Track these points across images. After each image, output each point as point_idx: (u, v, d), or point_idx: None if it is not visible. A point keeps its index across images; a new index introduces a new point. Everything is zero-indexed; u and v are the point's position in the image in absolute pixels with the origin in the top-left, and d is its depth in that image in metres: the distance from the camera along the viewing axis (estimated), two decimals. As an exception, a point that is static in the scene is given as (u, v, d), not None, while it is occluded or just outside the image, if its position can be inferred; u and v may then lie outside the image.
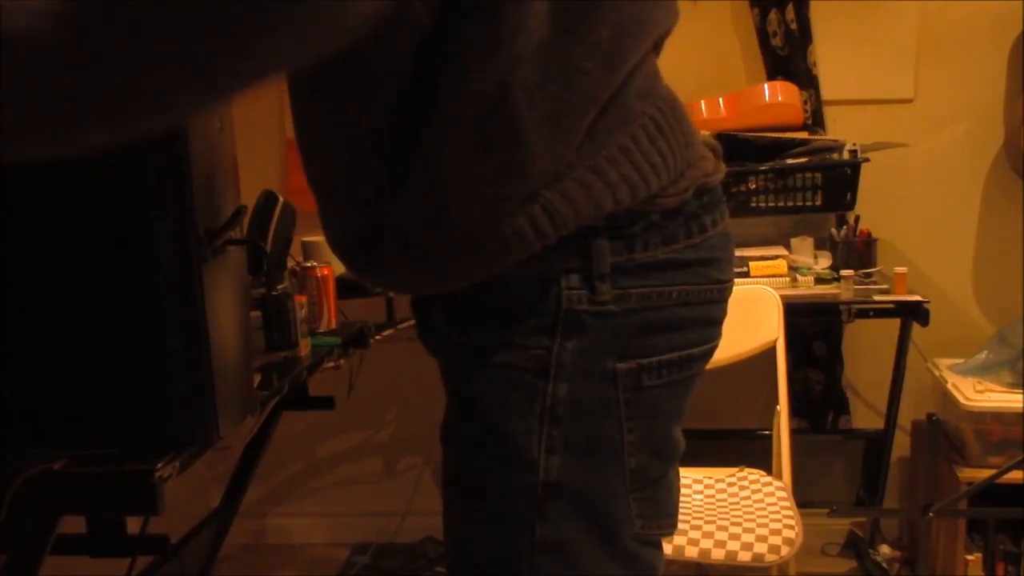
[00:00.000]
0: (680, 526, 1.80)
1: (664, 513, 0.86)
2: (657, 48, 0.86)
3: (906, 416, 2.52)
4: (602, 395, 0.79)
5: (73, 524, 1.20)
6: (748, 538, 1.74)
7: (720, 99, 2.38)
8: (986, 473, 1.96)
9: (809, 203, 2.32)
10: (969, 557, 2.20)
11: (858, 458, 2.66)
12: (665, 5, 0.84)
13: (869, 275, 2.31)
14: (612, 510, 0.81)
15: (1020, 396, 2.13)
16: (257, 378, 1.38)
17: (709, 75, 2.51)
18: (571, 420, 0.78)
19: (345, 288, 2.02)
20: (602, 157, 0.76)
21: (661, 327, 0.80)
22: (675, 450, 0.86)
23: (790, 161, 2.31)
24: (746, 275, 2.26)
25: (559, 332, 0.77)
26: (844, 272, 2.25)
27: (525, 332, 0.78)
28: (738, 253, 2.29)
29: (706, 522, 1.84)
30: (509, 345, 0.79)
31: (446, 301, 0.84)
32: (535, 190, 0.74)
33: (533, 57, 0.72)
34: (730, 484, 2.02)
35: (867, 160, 2.31)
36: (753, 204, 2.31)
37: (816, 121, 2.47)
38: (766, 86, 2.40)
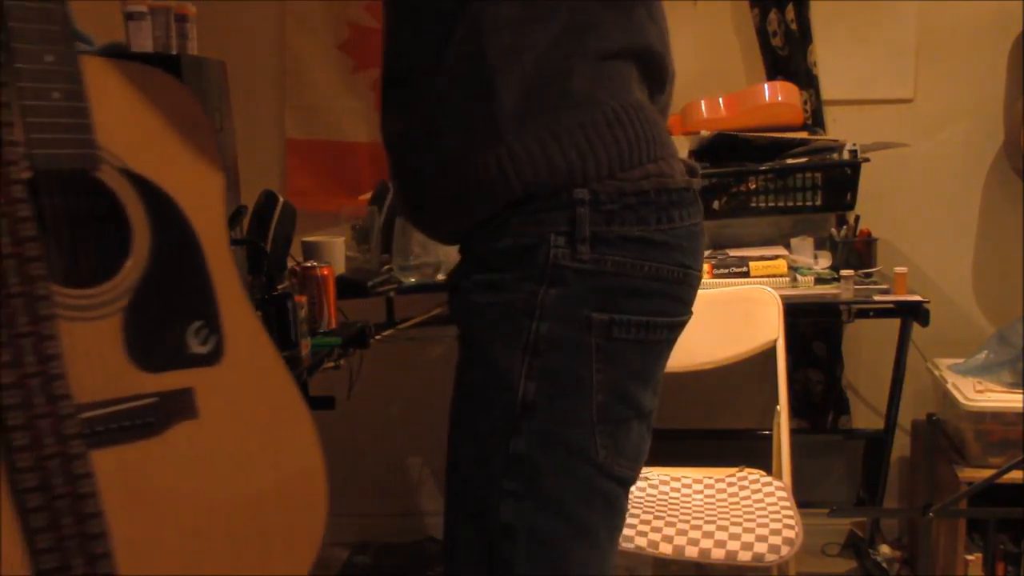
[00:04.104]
0: (680, 526, 1.82)
1: (627, 454, 0.99)
2: (648, 68, 1.00)
3: (906, 416, 2.52)
4: (577, 337, 0.94)
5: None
6: (748, 538, 1.74)
7: (720, 99, 2.38)
8: (986, 473, 1.97)
9: (809, 203, 2.32)
10: (969, 557, 2.20)
11: (858, 458, 2.66)
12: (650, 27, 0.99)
13: (869, 275, 2.30)
14: (577, 433, 0.96)
15: (1020, 396, 2.13)
16: (257, 378, 1.38)
17: (709, 75, 2.51)
18: (549, 354, 0.94)
19: (345, 288, 2.02)
20: (561, 126, 0.93)
21: (632, 292, 0.95)
22: (639, 405, 1.00)
23: (790, 161, 2.31)
24: (746, 275, 2.26)
25: (546, 280, 0.93)
26: (844, 272, 2.25)
27: (520, 278, 0.94)
28: (738, 253, 2.29)
29: (706, 522, 1.84)
30: (506, 287, 0.95)
31: (467, 253, 1.01)
32: (502, 136, 0.92)
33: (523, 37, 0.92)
34: (730, 484, 2.02)
35: (867, 160, 2.31)
36: (753, 204, 2.31)
37: (816, 121, 2.47)
38: (766, 86, 2.40)
